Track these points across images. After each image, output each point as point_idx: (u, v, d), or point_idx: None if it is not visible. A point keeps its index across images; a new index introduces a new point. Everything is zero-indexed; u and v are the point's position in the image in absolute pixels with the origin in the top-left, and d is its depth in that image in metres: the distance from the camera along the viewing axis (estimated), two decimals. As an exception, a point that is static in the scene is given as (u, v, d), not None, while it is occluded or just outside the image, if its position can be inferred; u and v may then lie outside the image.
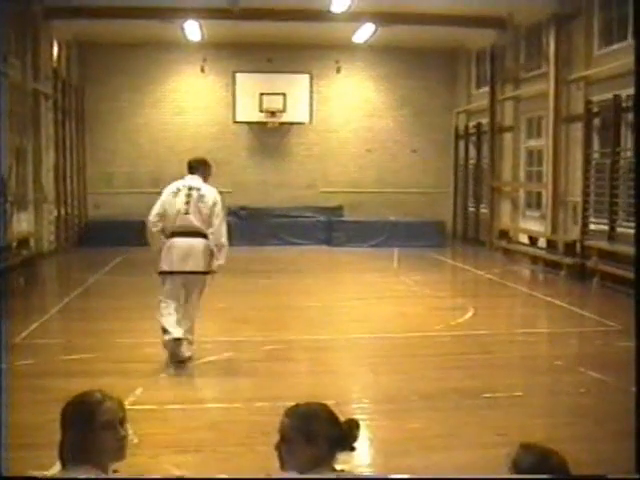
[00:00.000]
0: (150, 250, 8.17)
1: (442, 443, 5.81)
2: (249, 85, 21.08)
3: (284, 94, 21.03)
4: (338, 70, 22.25)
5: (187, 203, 7.91)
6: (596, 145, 15.15)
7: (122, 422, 2.74)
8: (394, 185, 22.40)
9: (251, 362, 8.39)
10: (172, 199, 7.98)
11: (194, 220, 7.90)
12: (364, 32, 19.76)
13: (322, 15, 17.64)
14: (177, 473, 5.08)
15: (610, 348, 8.99)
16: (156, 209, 8.03)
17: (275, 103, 21.01)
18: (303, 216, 21.10)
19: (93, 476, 2.63)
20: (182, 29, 19.19)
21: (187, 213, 7.91)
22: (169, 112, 22.02)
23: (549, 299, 12.56)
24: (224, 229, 8.04)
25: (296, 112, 21.29)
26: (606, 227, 14.18)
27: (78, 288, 13.13)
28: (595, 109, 14.90)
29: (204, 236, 7.93)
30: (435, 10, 17.47)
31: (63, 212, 19.17)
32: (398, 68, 22.31)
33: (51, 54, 18.47)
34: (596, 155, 15.15)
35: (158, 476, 4.98)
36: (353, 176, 22.36)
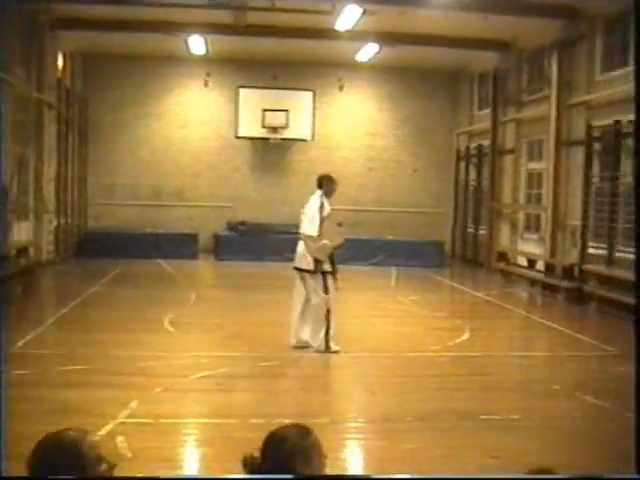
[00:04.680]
0: None
1: (437, 464, 5.78)
2: (252, 100, 21.12)
3: (287, 110, 21.08)
4: (341, 88, 22.36)
5: (302, 214, 9.51)
6: (596, 169, 15.19)
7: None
8: (394, 204, 22.45)
9: (246, 378, 8.39)
10: None
11: (301, 227, 9.46)
12: (368, 51, 19.87)
13: (327, 33, 17.73)
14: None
15: (607, 373, 8.98)
16: None
17: (278, 119, 21.06)
18: (302, 233, 20.96)
19: None
20: (186, 43, 19.27)
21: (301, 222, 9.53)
22: (172, 125, 22.07)
23: (546, 322, 12.54)
24: (307, 223, 9.27)
25: (298, 129, 21.34)
26: (605, 251, 14.19)
27: (76, 299, 13.10)
28: (596, 134, 14.95)
29: None
30: (439, 32, 17.56)
31: (63, 222, 19.17)
32: (401, 88, 22.41)
33: (56, 65, 18.50)
34: (596, 179, 15.18)
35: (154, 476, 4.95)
36: (353, 194, 22.32)
